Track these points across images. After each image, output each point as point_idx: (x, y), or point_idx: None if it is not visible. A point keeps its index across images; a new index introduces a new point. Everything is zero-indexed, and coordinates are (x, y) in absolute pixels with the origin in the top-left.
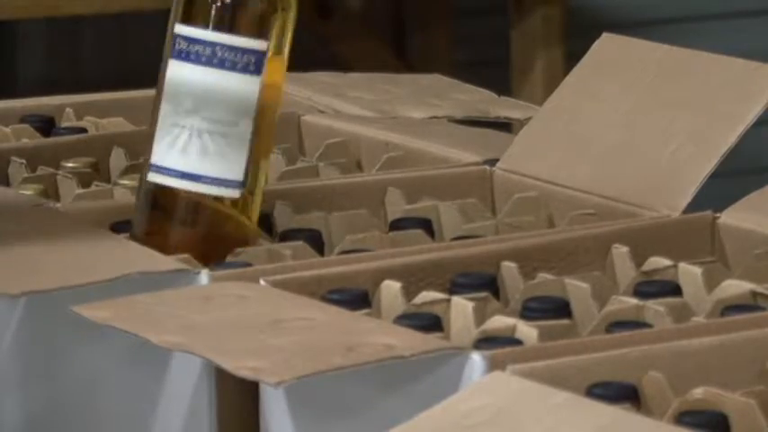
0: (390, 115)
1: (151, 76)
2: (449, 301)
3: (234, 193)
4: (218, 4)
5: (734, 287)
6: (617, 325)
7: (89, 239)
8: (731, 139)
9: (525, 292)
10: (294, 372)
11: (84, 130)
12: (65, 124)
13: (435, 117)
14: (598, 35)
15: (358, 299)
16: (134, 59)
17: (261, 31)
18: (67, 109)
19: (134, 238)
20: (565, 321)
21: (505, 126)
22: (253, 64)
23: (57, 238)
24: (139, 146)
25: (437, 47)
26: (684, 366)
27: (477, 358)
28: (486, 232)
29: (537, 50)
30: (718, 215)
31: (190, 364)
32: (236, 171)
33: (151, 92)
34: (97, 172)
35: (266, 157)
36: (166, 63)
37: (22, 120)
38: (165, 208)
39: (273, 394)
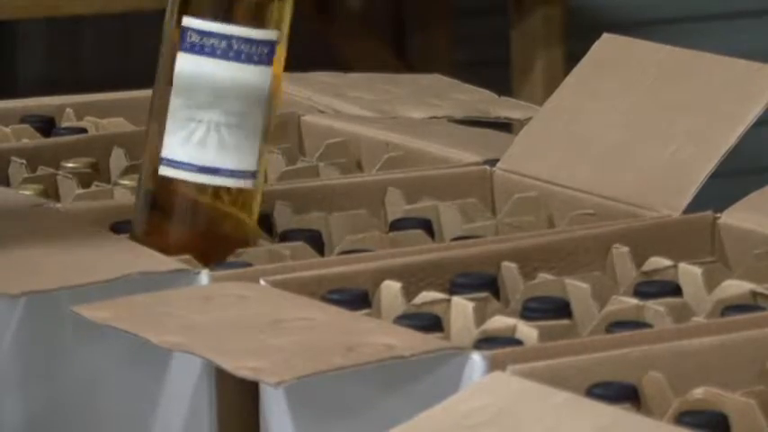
0: (390, 115)
1: (152, 76)
2: (449, 301)
3: (248, 184)
4: None
5: (734, 287)
6: (617, 325)
7: (89, 240)
8: (731, 139)
9: (525, 293)
10: (294, 372)
11: (84, 131)
12: (65, 124)
13: (435, 117)
14: (598, 35)
15: (358, 299)
16: (134, 59)
17: (264, 21)
18: (68, 109)
19: (134, 238)
20: (565, 321)
21: (505, 126)
22: (266, 55)
23: (57, 239)
24: (140, 146)
25: (437, 47)
26: (684, 366)
27: (477, 358)
28: (486, 232)
29: (537, 50)
30: (718, 215)
31: (190, 364)
32: (250, 162)
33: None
34: (97, 172)
35: (269, 149)
36: (170, 57)
37: (23, 120)
38: (164, 208)
39: (273, 394)
